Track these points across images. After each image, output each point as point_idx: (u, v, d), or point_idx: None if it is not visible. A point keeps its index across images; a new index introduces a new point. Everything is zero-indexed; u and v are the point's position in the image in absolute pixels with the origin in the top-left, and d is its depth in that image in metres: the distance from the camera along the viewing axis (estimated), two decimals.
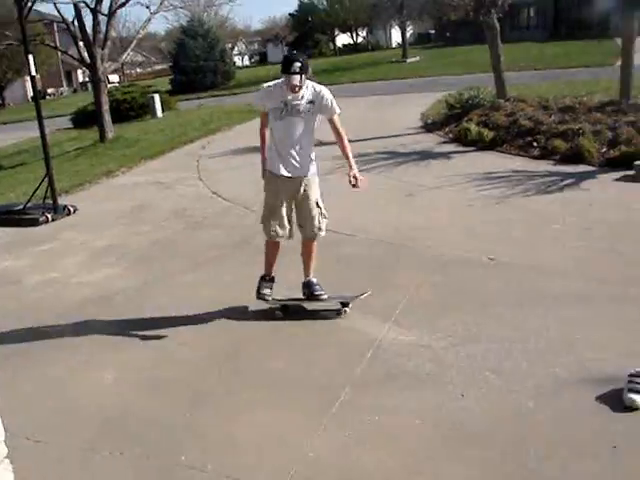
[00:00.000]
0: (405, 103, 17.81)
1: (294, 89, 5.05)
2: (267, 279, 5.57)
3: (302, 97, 5.14)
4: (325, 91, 5.29)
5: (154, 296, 6.27)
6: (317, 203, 5.37)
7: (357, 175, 5.21)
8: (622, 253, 6.22)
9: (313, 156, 5.33)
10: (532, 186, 8.71)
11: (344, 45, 57.54)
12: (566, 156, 9.97)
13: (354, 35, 58.96)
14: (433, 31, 53.41)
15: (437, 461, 3.55)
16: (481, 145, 11.30)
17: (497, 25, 14.10)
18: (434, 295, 5.65)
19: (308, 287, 5.58)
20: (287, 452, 3.73)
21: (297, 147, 5.23)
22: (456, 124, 12.82)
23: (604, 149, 9.94)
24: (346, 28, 56.68)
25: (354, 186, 5.22)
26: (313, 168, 5.34)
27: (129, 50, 21.53)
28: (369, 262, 6.50)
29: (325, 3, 55.91)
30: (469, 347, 4.67)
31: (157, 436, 4.01)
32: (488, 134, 11.41)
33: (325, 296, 5.51)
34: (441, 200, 8.53)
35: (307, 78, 5.13)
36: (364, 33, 59.79)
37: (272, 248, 5.50)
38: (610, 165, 9.43)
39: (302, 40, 53.55)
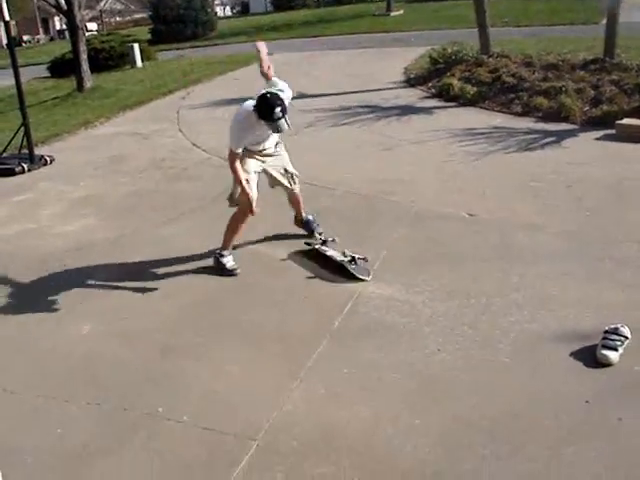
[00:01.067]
0: (388, 57, 17.59)
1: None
2: (227, 254, 5.56)
3: None
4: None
5: (132, 247, 6.23)
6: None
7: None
8: (600, 212, 6.23)
9: None
10: (513, 143, 8.68)
11: None
12: (548, 114, 9.93)
13: None
14: None
15: (412, 413, 3.58)
16: (463, 101, 11.21)
17: None
18: (413, 250, 5.65)
19: (307, 225, 5.98)
20: (263, 404, 3.75)
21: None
22: (439, 79, 12.67)
23: (586, 107, 9.90)
24: None
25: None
26: None
27: None
28: (348, 215, 6.48)
29: None
30: (447, 302, 4.70)
31: (134, 388, 4.02)
32: (471, 90, 11.32)
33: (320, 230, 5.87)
34: (421, 155, 8.49)
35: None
36: None
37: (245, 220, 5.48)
38: (592, 124, 9.40)
39: None
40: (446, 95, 11.66)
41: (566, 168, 7.51)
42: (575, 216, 6.17)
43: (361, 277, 5.10)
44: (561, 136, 8.91)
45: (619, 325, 4.11)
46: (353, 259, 5.22)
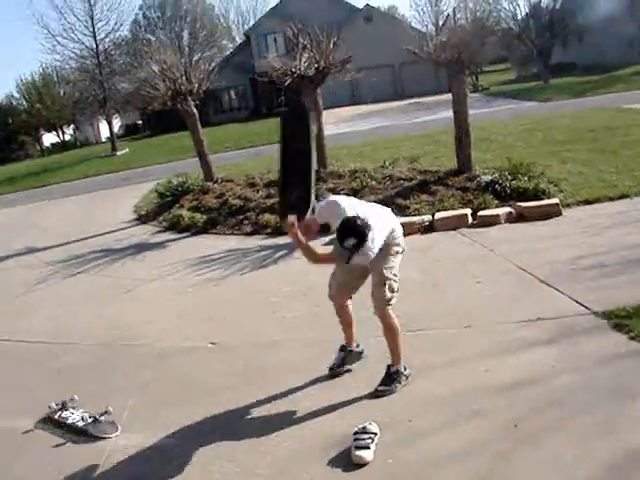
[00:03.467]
0: (118, 197, 17.55)
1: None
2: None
3: None
4: None
5: None
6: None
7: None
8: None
9: None
10: (248, 263, 8.91)
11: (52, 144, 55.47)
12: (277, 228, 10.34)
13: (60, 133, 57.10)
14: (140, 121, 53.73)
15: None
16: (195, 230, 11.37)
17: (195, 111, 14.45)
18: (159, 391, 5.48)
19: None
20: None
21: None
22: (169, 212, 12.83)
23: None
24: (51, 127, 54.76)
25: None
26: None
27: None
28: (92, 368, 6.18)
29: (25, 103, 53.54)
30: (199, 439, 4.57)
31: None
32: (200, 218, 11.55)
33: None
34: (161, 291, 8.39)
35: None
36: (70, 130, 58.22)
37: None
38: (320, 230, 9.93)
39: (6, 143, 50.63)
40: (178, 227, 11.79)
41: (300, 278, 7.82)
42: (314, 324, 6.38)
43: (107, 436, 4.83)
44: (291, 248, 9.28)
45: (367, 423, 4.28)
46: (95, 419, 4.94)
